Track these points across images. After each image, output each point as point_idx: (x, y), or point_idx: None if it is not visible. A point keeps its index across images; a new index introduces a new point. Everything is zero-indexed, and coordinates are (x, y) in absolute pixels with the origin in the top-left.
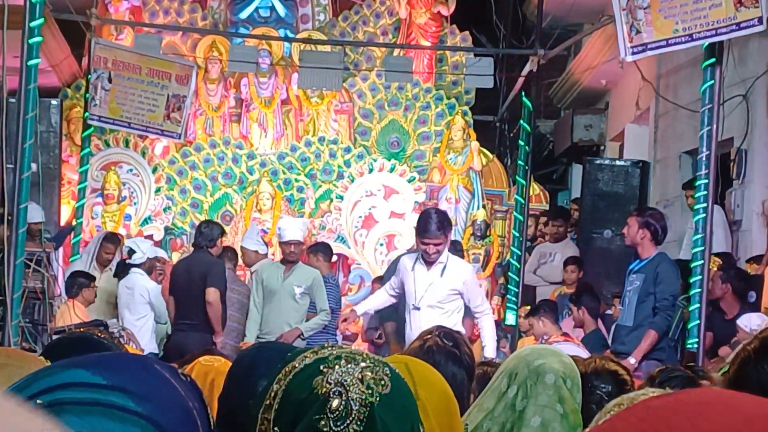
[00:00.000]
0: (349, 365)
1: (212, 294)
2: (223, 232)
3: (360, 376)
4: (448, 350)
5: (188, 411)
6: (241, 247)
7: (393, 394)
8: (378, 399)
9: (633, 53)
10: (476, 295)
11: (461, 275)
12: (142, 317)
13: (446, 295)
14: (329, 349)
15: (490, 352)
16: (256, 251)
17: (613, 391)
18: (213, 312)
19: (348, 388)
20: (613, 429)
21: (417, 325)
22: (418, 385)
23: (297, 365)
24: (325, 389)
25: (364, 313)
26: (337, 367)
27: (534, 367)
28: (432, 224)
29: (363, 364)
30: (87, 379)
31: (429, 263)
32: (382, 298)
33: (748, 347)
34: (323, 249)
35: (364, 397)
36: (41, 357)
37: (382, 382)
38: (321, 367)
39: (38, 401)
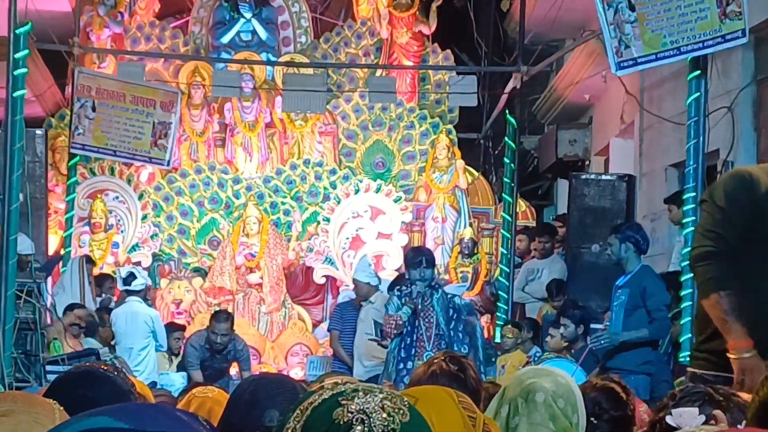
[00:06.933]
0: (367, 396)
1: None
2: None
3: (381, 405)
4: (453, 374)
5: None
6: (354, 280)
7: (412, 423)
8: (399, 427)
9: (622, 68)
10: None
11: None
12: (145, 347)
13: None
14: (343, 384)
15: None
16: (368, 283)
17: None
18: None
19: (370, 416)
20: None
21: None
22: None
23: (314, 401)
24: (347, 418)
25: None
26: (356, 398)
27: (525, 386)
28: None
29: (381, 396)
30: (111, 425)
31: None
32: None
33: None
34: None
35: (386, 424)
36: (50, 399)
37: (401, 412)
38: (339, 400)
39: None
